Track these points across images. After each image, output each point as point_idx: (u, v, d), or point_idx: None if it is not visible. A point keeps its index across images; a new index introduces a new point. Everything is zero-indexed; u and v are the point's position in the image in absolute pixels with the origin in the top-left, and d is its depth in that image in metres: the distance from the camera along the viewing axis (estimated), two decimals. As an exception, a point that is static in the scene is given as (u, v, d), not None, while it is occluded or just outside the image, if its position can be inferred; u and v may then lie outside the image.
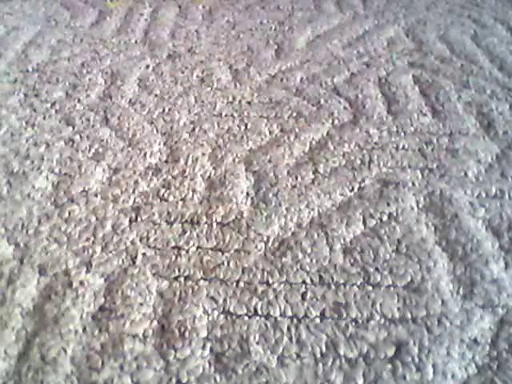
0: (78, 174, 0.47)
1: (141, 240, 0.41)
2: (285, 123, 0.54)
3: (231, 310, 0.35)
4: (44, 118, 0.55)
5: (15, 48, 0.68)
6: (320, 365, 0.32)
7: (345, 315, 0.34)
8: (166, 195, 0.45)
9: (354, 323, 0.34)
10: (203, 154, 0.50)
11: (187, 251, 0.40)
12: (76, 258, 0.39)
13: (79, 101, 0.58)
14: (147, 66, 0.65)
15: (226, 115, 0.56)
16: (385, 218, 0.42)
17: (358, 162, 0.49)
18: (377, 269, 0.38)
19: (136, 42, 0.71)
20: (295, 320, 0.34)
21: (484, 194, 0.45)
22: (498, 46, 0.71)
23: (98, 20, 0.76)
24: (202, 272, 0.38)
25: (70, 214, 0.43)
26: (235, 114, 0.56)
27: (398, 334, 0.33)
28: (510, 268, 0.38)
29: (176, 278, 0.38)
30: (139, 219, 0.42)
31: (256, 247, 0.40)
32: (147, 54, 0.68)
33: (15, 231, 0.41)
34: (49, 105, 0.57)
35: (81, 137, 0.52)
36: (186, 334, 0.33)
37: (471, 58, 0.68)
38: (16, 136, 0.52)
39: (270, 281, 0.37)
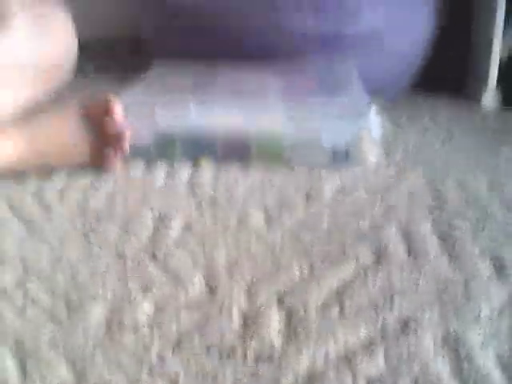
0: (128, 304, 0.53)
1: (182, 367, 0.45)
2: (313, 264, 0.60)
3: None
4: (99, 255, 0.62)
5: (76, 193, 0.78)
6: None
7: None
8: (205, 327, 0.50)
9: None
10: (239, 290, 0.55)
11: (224, 380, 0.44)
12: (125, 381, 0.43)
13: (131, 240, 0.65)
14: (190, 210, 0.73)
15: (259, 256, 0.62)
16: (404, 354, 0.46)
17: (381, 302, 0.54)
18: (397, 402, 0.41)
19: (181, 189, 0.80)
20: None
21: (495, 333, 0.49)
22: (513, 196, 0.77)
23: (148, 170, 0.86)
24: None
25: (120, 341, 0.48)
26: (268, 255, 0.62)
27: None
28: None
29: (213, 405, 0.42)
30: (181, 349, 0.47)
31: (287, 378, 0.44)
32: (191, 199, 0.76)
33: (73, 355, 0.46)
34: (104, 243, 0.64)
35: (131, 272, 0.58)
36: None
37: (487, 207, 0.74)
38: (75, 269, 0.59)
39: (300, 410, 0.41)
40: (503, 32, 1.21)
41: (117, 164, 0.84)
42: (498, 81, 1.24)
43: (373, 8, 1.23)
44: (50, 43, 0.86)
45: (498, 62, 1.23)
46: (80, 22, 0.93)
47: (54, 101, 0.90)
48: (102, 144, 0.83)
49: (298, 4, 1.22)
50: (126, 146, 0.83)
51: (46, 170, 0.82)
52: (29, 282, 0.57)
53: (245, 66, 1.16)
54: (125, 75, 1.09)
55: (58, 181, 0.82)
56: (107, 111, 0.81)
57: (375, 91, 1.09)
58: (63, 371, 0.44)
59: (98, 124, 0.82)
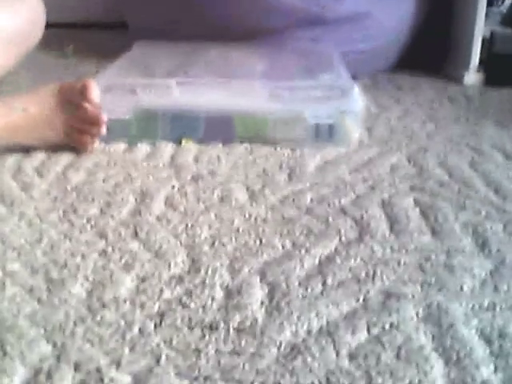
0: (109, 282, 0.52)
1: (165, 343, 0.45)
2: (296, 239, 0.60)
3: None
4: (80, 232, 0.61)
5: (55, 170, 0.77)
6: None
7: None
8: (187, 302, 0.50)
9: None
10: (222, 265, 0.55)
11: (206, 354, 0.44)
12: (107, 357, 0.43)
13: (112, 217, 0.64)
14: (173, 187, 0.72)
15: (242, 231, 0.62)
16: (387, 326, 0.47)
17: (363, 275, 0.54)
18: (379, 372, 0.42)
19: (163, 165, 0.79)
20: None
21: (478, 306, 0.49)
22: (494, 172, 0.77)
23: (130, 146, 0.85)
24: (219, 373, 0.42)
25: (101, 317, 0.48)
26: (251, 230, 0.62)
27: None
28: (498, 371, 0.41)
29: (196, 378, 0.41)
30: (163, 324, 0.47)
31: (269, 351, 0.44)
32: (173, 176, 0.76)
33: (53, 332, 0.46)
34: (85, 220, 0.63)
35: (113, 249, 0.58)
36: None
37: (468, 183, 0.74)
38: (55, 248, 0.58)
39: (282, 382, 0.41)
40: (486, 12, 1.21)
41: (91, 146, 0.83)
42: (480, 61, 1.24)
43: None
44: (22, 8, 0.85)
45: (480, 43, 1.23)
46: (61, 4, 0.92)
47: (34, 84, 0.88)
48: (77, 125, 0.81)
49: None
50: (102, 130, 0.81)
51: (22, 148, 0.81)
52: (8, 259, 0.56)
53: (229, 47, 1.15)
54: (105, 57, 1.07)
55: (37, 158, 0.80)
56: (83, 93, 0.79)
57: (358, 71, 1.09)
58: (43, 347, 0.44)
59: (74, 105, 0.80)
